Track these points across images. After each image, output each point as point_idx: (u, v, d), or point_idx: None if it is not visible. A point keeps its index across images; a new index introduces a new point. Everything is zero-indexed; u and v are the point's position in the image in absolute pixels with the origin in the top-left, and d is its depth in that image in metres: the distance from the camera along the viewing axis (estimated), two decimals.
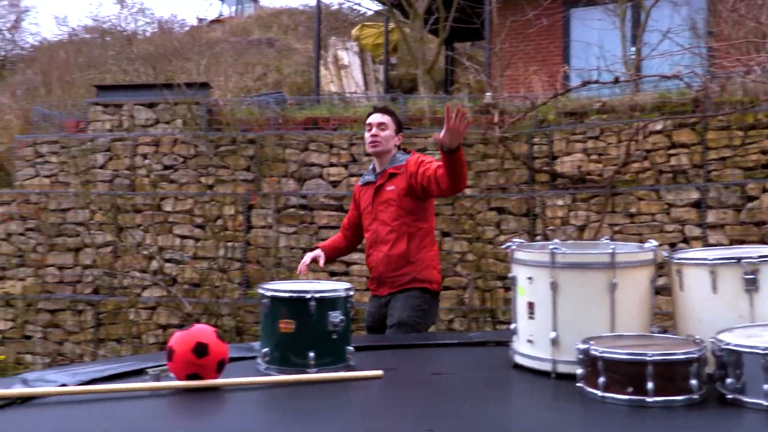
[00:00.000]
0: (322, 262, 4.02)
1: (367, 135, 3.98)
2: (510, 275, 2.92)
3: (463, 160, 3.53)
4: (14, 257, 8.33)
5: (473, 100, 8.61)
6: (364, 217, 4.03)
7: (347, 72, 13.06)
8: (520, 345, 2.84)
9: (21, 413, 2.30)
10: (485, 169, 7.71)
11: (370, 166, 4.08)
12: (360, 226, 4.14)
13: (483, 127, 7.77)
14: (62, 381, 2.55)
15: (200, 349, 2.51)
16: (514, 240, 2.99)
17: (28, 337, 8.10)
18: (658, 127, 7.11)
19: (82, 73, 15.35)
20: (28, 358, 8.07)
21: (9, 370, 7.78)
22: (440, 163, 3.60)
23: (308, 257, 4.02)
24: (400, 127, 4.03)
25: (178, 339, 2.54)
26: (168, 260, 8.04)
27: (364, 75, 13.24)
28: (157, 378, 2.56)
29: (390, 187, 3.90)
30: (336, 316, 2.76)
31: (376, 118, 3.98)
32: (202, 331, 2.58)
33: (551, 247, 2.73)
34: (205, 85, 9.49)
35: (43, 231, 8.28)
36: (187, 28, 20.16)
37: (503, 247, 3.02)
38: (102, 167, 8.54)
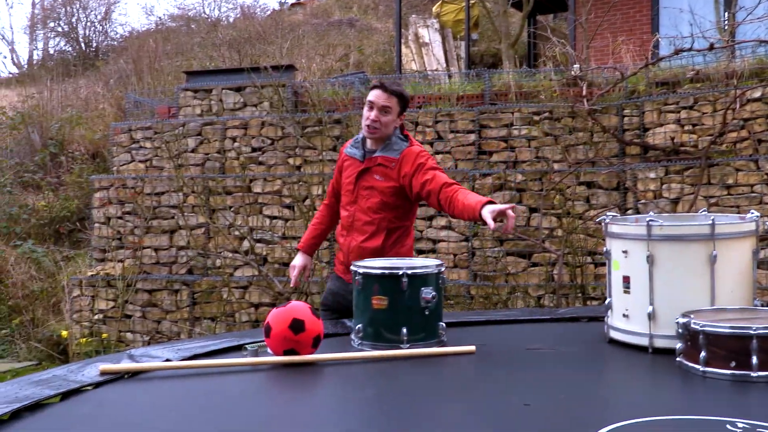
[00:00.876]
0: (308, 271, 3.81)
1: (365, 113, 3.49)
2: (604, 249, 2.87)
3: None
4: (113, 240, 8.67)
5: (559, 73, 8.45)
6: (344, 191, 3.65)
7: (428, 50, 12.99)
8: (614, 320, 2.80)
9: (130, 387, 2.41)
10: (574, 142, 7.59)
11: (359, 135, 3.64)
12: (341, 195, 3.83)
13: (571, 100, 7.63)
14: (166, 356, 2.66)
15: (297, 326, 2.57)
16: (607, 214, 2.94)
17: (128, 317, 8.44)
18: (757, 94, 6.83)
19: (171, 60, 15.79)
20: (129, 336, 8.41)
21: (111, 347, 8.14)
22: (450, 182, 3.32)
23: (295, 272, 3.76)
24: (404, 108, 3.56)
25: (275, 316, 2.61)
26: (258, 240, 8.22)
27: (446, 52, 13.13)
28: (255, 354, 2.64)
29: (378, 177, 3.51)
30: (428, 292, 2.78)
31: (380, 98, 3.47)
32: (298, 308, 2.64)
33: (647, 219, 2.68)
34: (290, 68, 9.61)
35: (140, 214, 8.58)
36: (268, 12, 20.45)
37: (597, 221, 2.97)
38: (193, 151, 8.78)
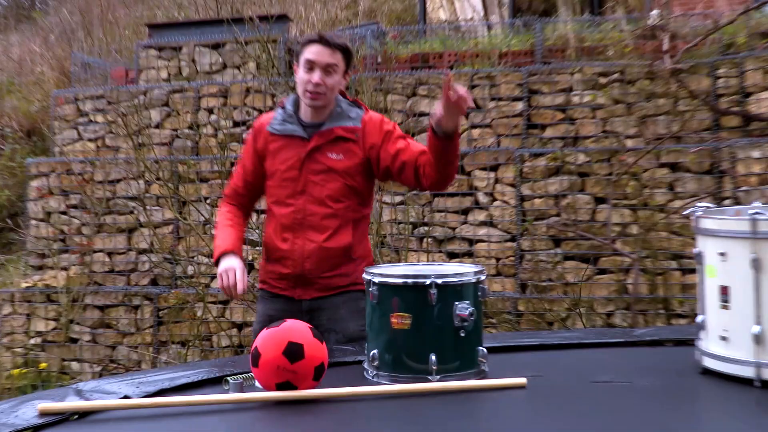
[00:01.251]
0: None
1: (303, 76, 3.52)
2: (694, 251, 2.85)
3: (458, 149, 3.44)
4: (55, 242, 8.72)
5: (633, 22, 8.40)
6: (277, 182, 3.62)
7: None
8: (709, 343, 2.78)
9: (78, 431, 2.41)
10: (653, 112, 7.55)
11: (288, 104, 3.68)
12: (258, 191, 3.79)
13: (648, 57, 7.59)
14: (124, 392, 2.65)
15: (293, 351, 2.56)
16: (698, 205, 2.92)
17: (74, 340, 8.48)
18: None
19: (128, 10, 15.84)
20: (75, 366, 8.46)
21: (52, 380, 8.17)
22: (423, 147, 3.47)
23: (242, 275, 3.49)
24: (350, 65, 3.62)
25: (265, 339, 2.60)
26: (243, 242, 8.22)
27: None
28: (239, 388, 2.63)
29: (335, 155, 3.54)
30: (464, 308, 2.76)
31: (321, 55, 3.51)
32: (295, 328, 2.63)
33: (751, 211, 2.65)
34: (282, 18, 9.62)
35: (89, 208, 8.62)
36: None
37: (684, 214, 2.95)
38: (158, 126, 8.82)
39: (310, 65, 3.50)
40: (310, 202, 3.54)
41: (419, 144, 3.56)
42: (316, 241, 3.52)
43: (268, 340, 2.60)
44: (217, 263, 3.57)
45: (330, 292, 3.58)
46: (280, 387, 2.57)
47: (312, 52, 3.50)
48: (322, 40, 3.51)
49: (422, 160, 3.45)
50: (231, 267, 3.50)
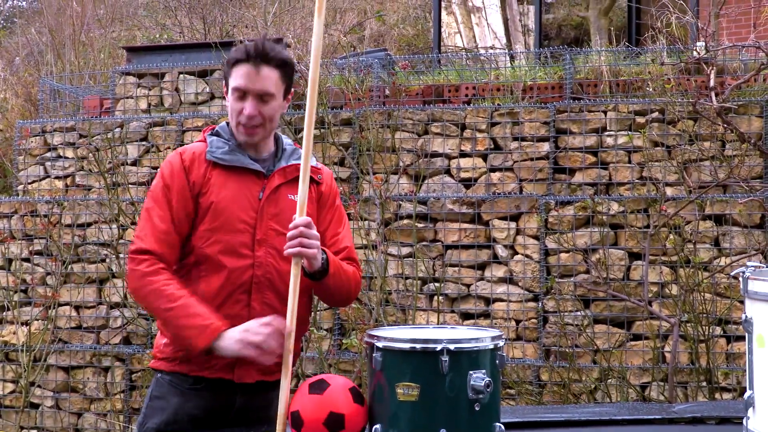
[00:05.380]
0: None
1: (234, 105, 3.29)
2: (742, 317, 2.85)
3: (342, 277, 3.29)
4: (16, 292, 8.72)
5: (675, 54, 8.45)
6: (222, 225, 3.27)
7: (480, 17, 13.10)
8: (758, 422, 2.78)
9: None
10: (696, 157, 7.55)
11: (224, 133, 3.40)
12: (183, 242, 3.32)
13: (692, 94, 7.62)
14: None
15: (335, 423, 2.72)
16: (748, 264, 2.93)
17: (35, 406, 8.46)
18: None
19: (104, 30, 15.96)
20: None
21: None
22: (348, 245, 3.45)
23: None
24: (291, 81, 3.39)
25: (306, 403, 2.76)
26: None
27: (506, 21, 13.23)
28: None
29: (294, 197, 3.24)
30: (480, 378, 2.77)
31: (254, 80, 3.25)
32: (336, 393, 2.79)
33: None
34: (278, 43, 9.69)
35: (55, 255, 8.63)
36: None
37: (732, 274, 2.97)
38: (135, 164, 8.85)
39: (241, 93, 3.26)
40: (271, 255, 3.28)
41: (350, 242, 3.47)
42: (277, 308, 3.22)
43: (311, 405, 2.74)
44: (209, 351, 3.10)
45: (277, 375, 3.14)
46: None
47: (241, 76, 3.25)
48: (252, 58, 3.23)
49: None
50: (254, 331, 3.08)
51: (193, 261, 3.30)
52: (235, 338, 3.05)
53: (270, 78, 3.25)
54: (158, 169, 3.37)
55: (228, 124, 3.40)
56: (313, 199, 3.36)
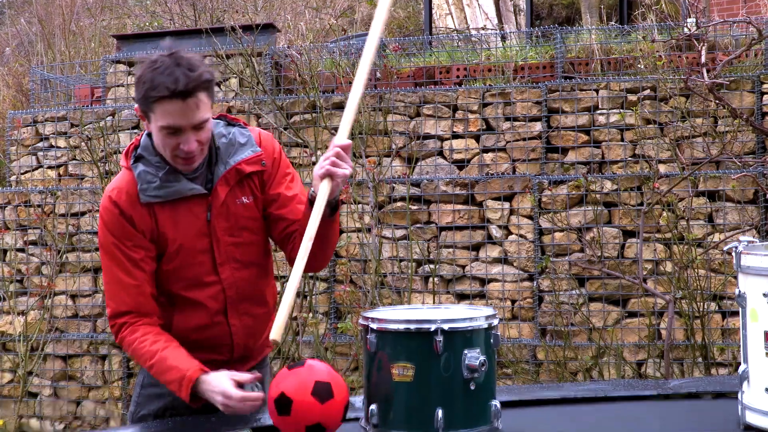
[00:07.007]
0: None
1: (166, 141, 3.04)
2: (736, 292, 2.86)
3: (337, 225, 3.22)
4: (11, 282, 8.72)
5: (667, 31, 8.44)
6: (180, 263, 3.18)
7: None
8: (753, 396, 2.78)
9: None
10: (689, 134, 7.56)
11: (148, 154, 3.16)
12: (153, 278, 3.21)
13: (684, 70, 7.62)
14: None
15: (322, 391, 2.71)
16: (741, 239, 2.93)
17: (33, 395, 8.47)
18: None
19: (94, 19, 15.92)
20: (34, 423, 8.45)
21: None
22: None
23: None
24: (213, 92, 3.12)
25: (288, 380, 2.73)
26: None
27: (497, 2, 13.20)
28: None
29: (245, 199, 3.22)
30: (475, 357, 2.77)
31: (186, 115, 2.97)
32: (316, 367, 2.79)
33: None
34: (269, 27, 9.66)
35: (50, 245, 8.63)
36: None
37: (726, 249, 2.96)
38: None
39: (170, 130, 2.99)
40: (237, 269, 3.25)
41: (303, 198, 3.26)
42: (252, 313, 3.30)
43: (293, 380, 2.73)
44: (192, 397, 3.02)
45: (254, 362, 3.37)
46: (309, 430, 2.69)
47: (170, 114, 2.96)
48: (178, 94, 2.92)
49: (297, 226, 3.17)
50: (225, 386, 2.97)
51: (165, 300, 3.24)
52: (214, 394, 2.96)
53: (200, 104, 2.99)
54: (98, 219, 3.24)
55: (150, 137, 3.15)
56: (258, 193, 3.26)
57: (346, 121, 3.05)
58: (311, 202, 3.02)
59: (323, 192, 2.94)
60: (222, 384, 2.94)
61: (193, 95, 2.94)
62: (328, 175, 2.95)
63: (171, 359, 3.03)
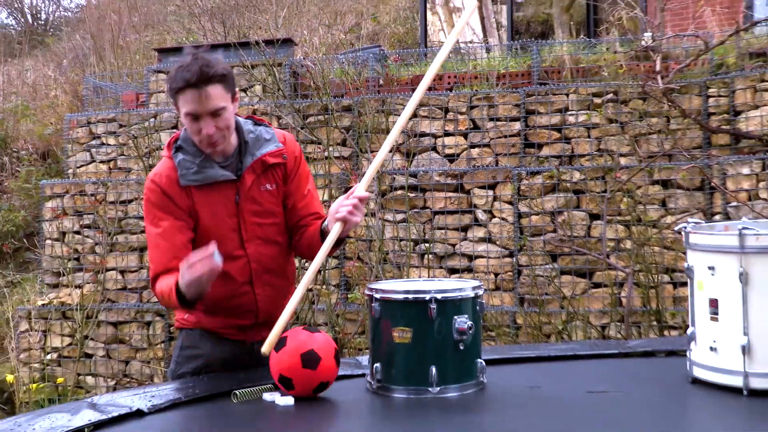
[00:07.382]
0: None
1: (190, 126, 3.06)
2: (685, 265, 2.86)
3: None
4: (69, 260, 8.74)
5: (627, 44, 8.43)
6: (214, 238, 2.99)
7: (460, 16, 13.01)
8: (699, 354, 2.79)
9: None
10: (646, 131, 7.56)
11: (187, 145, 3.17)
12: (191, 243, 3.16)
13: (641, 77, 7.62)
14: (137, 406, 2.67)
15: (310, 359, 2.72)
16: (689, 220, 2.94)
17: (89, 356, 8.49)
18: None
19: (139, 35, 15.90)
20: (90, 380, 8.47)
21: (68, 394, 8.18)
22: (318, 208, 3.31)
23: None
24: (234, 84, 3.13)
25: (295, 335, 2.82)
26: None
27: (482, 19, 13.15)
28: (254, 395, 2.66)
29: (269, 186, 3.23)
30: (463, 322, 2.78)
31: (202, 103, 2.99)
32: (323, 342, 2.81)
33: (740, 227, 2.67)
34: (288, 42, 9.66)
35: (102, 228, 8.64)
36: None
37: (676, 229, 2.97)
38: None
39: (192, 117, 3.02)
40: (262, 245, 3.23)
41: (317, 200, 3.35)
42: (273, 283, 3.28)
43: (297, 337, 2.79)
44: (181, 299, 2.94)
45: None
46: (281, 379, 2.74)
47: (188, 102, 3.00)
48: (193, 84, 2.96)
49: (307, 222, 3.27)
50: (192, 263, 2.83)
51: None
52: (181, 277, 2.84)
53: (216, 94, 2.99)
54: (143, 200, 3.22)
55: (186, 131, 3.16)
56: (280, 183, 3.25)
57: (369, 175, 3.08)
58: (323, 234, 3.09)
59: (335, 232, 2.99)
60: (181, 267, 2.85)
61: (206, 85, 2.95)
62: (344, 220, 2.99)
63: (168, 286, 2.97)
